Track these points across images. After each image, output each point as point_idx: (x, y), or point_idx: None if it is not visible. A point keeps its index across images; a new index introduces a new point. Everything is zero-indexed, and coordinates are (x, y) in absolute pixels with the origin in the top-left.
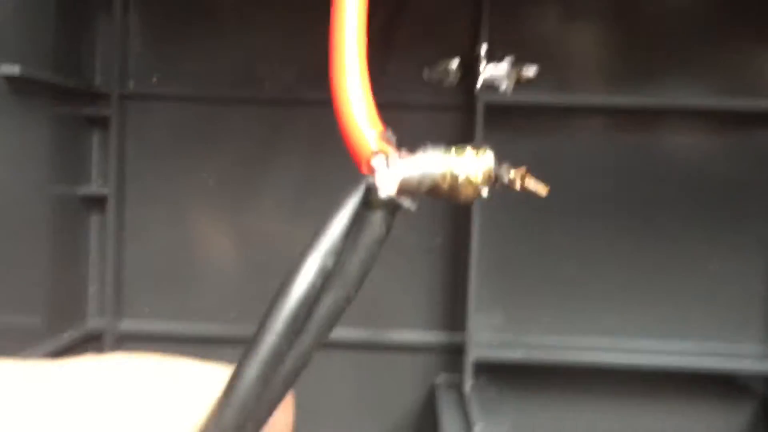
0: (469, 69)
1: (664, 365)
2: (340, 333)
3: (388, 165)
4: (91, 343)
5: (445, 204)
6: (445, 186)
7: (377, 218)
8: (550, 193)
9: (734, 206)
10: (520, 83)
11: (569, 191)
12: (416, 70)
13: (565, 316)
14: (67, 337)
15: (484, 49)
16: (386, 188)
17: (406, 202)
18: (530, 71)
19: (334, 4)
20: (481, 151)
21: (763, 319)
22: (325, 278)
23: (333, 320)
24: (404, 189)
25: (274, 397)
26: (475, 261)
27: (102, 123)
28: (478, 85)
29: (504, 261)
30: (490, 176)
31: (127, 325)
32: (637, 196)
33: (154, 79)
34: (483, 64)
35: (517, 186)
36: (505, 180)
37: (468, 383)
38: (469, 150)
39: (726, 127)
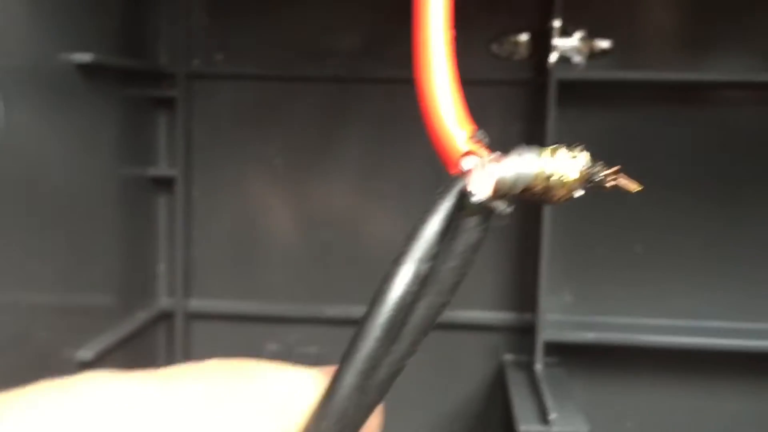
0: (540, 43)
1: (738, 347)
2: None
3: (481, 167)
4: (162, 322)
5: None
6: (539, 188)
7: (472, 224)
8: (624, 171)
9: None
10: (594, 56)
11: (642, 168)
12: (485, 44)
13: (637, 297)
14: (139, 316)
15: (557, 23)
16: (481, 192)
17: (501, 206)
18: (604, 43)
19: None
20: (575, 151)
21: None
22: (421, 285)
23: (428, 327)
24: (499, 192)
25: (370, 405)
26: (546, 240)
27: (168, 104)
28: (552, 59)
29: (575, 240)
30: (583, 177)
31: (196, 304)
32: (712, 173)
33: (220, 57)
34: (555, 37)
35: (609, 185)
36: (598, 179)
37: (539, 364)
38: (562, 150)
39: None
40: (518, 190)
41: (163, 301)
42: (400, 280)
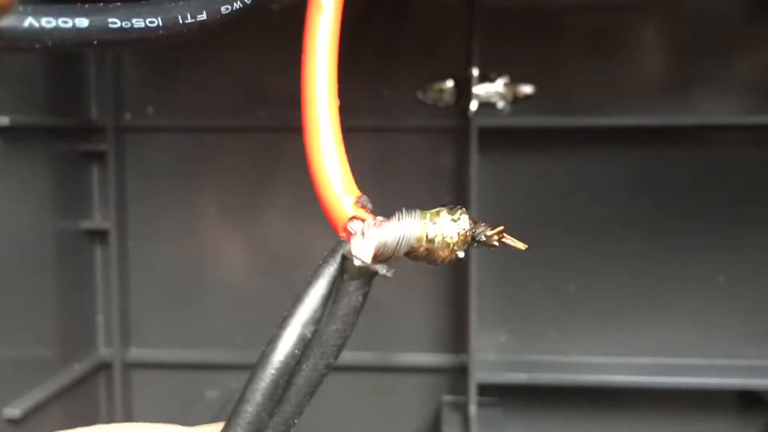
0: (464, 90)
1: (671, 384)
2: (346, 356)
3: (363, 232)
4: (101, 372)
5: None
6: (422, 249)
7: (353, 288)
8: (552, 210)
9: (740, 218)
10: (518, 101)
11: (570, 210)
12: (411, 92)
13: (571, 334)
14: (78, 368)
15: (476, 70)
16: (362, 256)
17: (383, 269)
18: (527, 88)
19: (303, 76)
20: (456, 213)
21: None
22: (305, 347)
23: (313, 388)
24: (380, 255)
25: None
26: (474, 282)
27: (100, 157)
28: (472, 107)
29: (506, 280)
30: (465, 238)
31: (135, 354)
32: (638, 213)
33: (151, 110)
34: (475, 84)
35: (495, 244)
36: (482, 239)
37: (472, 405)
38: (444, 213)
39: (729, 142)
40: (400, 253)
41: (102, 352)
42: (283, 344)
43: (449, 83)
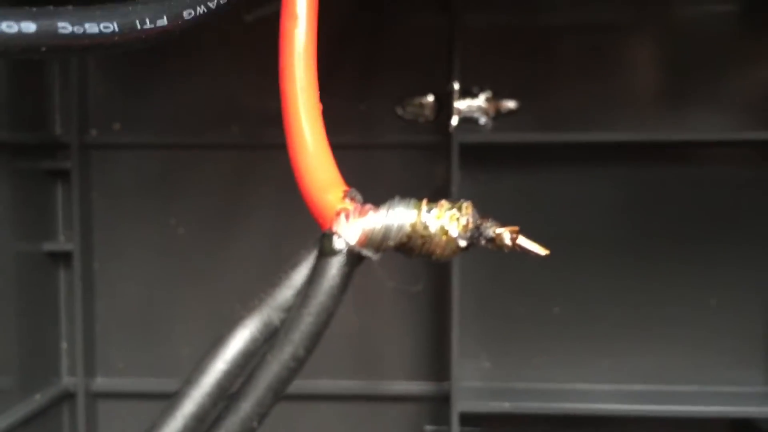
0: (444, 105)
1: (664, 412)
2: (327, 385)
3: (349, 216)
4: (65, 402)
5: None
6: (418, 240)
7: (330, 268)
8: (536, 230)
9: (731, 240)
10: (500, 117)
11: (555, 229)
12: (391, 107)
13: (557, 360)
14: (40, 398)
15: (456, 84)
16: (346, 238)
17: (368, 252)
18: (510, 104)
19: (281, 67)
20: (460, 205)
21: (766, 358)
22: (270, 334)
23: (279, 384)
24: (369, 240)
25: None
26: (456, 307)
27: (64, 175)
28: (453, 122)
29: (489, 306)
30: (467, 228)
31: (101, 383)
32: (625, 233)
33: (117, 127)
34: (456, 99)
35: (507, 243)
36: (489, 234)
37: None
38: (444, 203)
39: (719, 157)
40: (393, 241)
41: (66, 381)
42: (242, 327)
43: (429, 98)
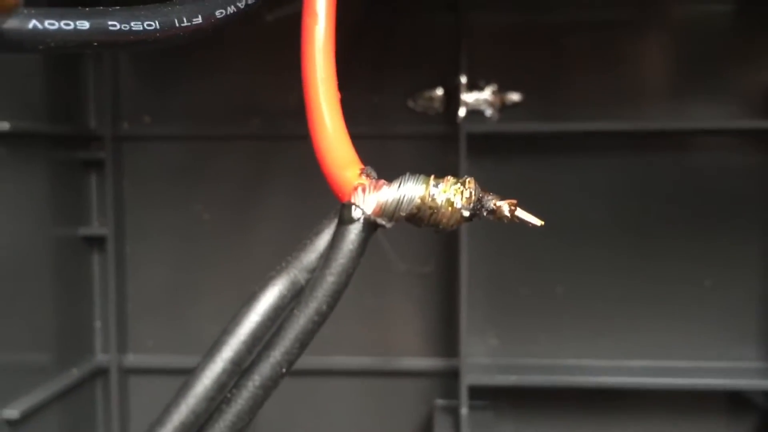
0: (453, 98)
1: (663, 385)
2: (343, 361)
3: (366, 190)
4: (98, 378)
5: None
6: (427, 211)
7: (350, 234)
8: (541, 214)
9: (725, 223)
10: (505, 108)
11: (559, 214)
12: (402, 100)
13: (561, 337)
14: (75, 373)
15: (464, 78)
16: (363, 208)
17: (383, 221)
18: (515, 96)
19: (303, 60)
20: (463, 179)
21: (761, 333)
22: (296, 292)
23: (304, 336)
24: (383, 211)
25: (243, 411)
26: (464, 286)
27: (98, 165)
28: (461, 113)
29: (496, 285)
30: (470, 200)
31: (132, 360)
32: (627, 217)
33: (147, 120)
34: (464, 92)
35: (506, 214)
36: (490, 206)
37: (464, 408)
38: (450, 179)
39: (714, 145)
40: (404, 212)
41: (100, 358)
42: (272, 285)
43: (439, 92)
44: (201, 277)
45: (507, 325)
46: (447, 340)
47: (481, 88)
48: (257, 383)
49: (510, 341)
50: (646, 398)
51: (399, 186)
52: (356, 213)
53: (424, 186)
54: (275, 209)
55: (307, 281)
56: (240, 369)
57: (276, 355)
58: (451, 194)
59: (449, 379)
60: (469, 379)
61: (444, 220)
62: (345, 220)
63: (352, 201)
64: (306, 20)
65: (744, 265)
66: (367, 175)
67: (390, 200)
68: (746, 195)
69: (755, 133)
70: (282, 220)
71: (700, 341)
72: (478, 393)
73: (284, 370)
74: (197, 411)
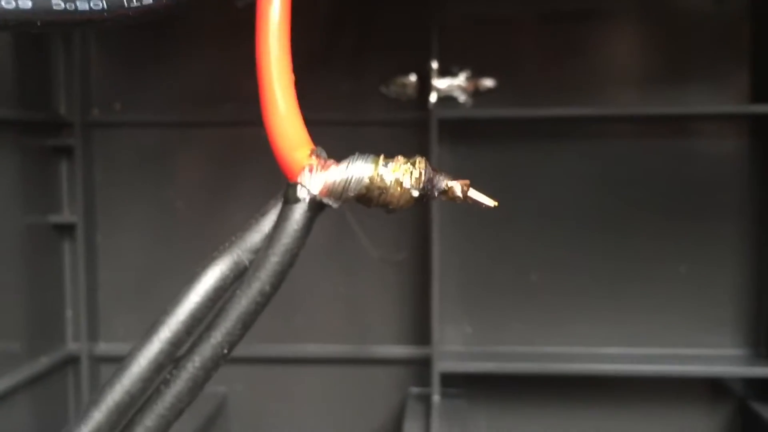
0: (426, 84)
1: (639, 372)
2: (317, 349)
3: (313, 169)
4: (70, 366)
5: (408, 217)
6: (375, 191)
7: (294, 213)
8: (516, 201)
9: (699, 209)
10: (479, 94)
11: (532, 200)
12: (375, 86)
13: (535, 324)
14: (45, 361)
15: (435, 64)
16: (310, 188)
17: (330, 201)
18: (488, 82)
19: (257, 40)
20: (414, 160)
21: (736, 320)
22: (239, 273)
23: (247, 317)
24: (330, 191)
25: (183, 392)
26: (437, 273)
27: (68, 152)
28: (432, 99)
29: (470, 272)
30: (420, 180)
31: (104, 348)
32: (598, 203)
33: (118, 106)
34: (435, 78)
35: (459, 195)
36: (442, 186)
37: (435, 395)
38: (400, 158)
39: (680, 132)
40: (352, 192)
41: (71, 346)
42: (214, 265)
43: (412, 78)
44: (173, 265)
45: (481, 313)
46: (421, 328)
47: (454, 74)
48: (197, 364)
49: (484, 329)
50: (622, 386)
51: (347, 166)
52: (302, 192)
53: (373, 166)
54: (247, 196)
55: (251, 262)
56: (177, 350)
57: (217, 335)
58: (400, 174)
59: (423, 366)
60: (440, 366)
61: (393, 201)
62: (290, 199)
63: (299, 181)
64: (261, 3)
65: (719, 251)
66: (317, 156)
67: (338, 180)
68: (721, 181)
69: (728, 118)
70: (254, 207)
71: (676, 328)
72: (451, 381)
73: (226, 351)
74: (132, 392)
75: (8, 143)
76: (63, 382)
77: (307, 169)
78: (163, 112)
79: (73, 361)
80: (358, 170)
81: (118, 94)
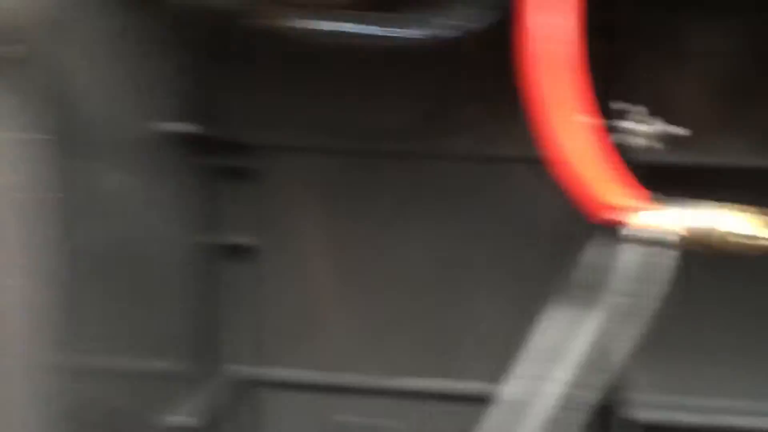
0: None
1: None
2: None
3: (657, 214)
4: (233, 389)
5: None
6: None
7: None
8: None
9: None
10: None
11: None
12: None
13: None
14: (210, 384)
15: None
16: (667, 231)
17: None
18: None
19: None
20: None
21: None
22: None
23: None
24: (691, 239)
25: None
26: None
27: (244, 174)
28: None
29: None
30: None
31: (265, 372)
32: None
33: (294, 132)
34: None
35: None
36: None
37: None
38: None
39: None
40: (714, 240)
41: (234, 369)
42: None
43: None
44: (340, 293)
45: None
46: None
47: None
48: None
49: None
50: None
51: (708, 211)
52: (663, 238)
53: (716, 212)
54: (419, 229)
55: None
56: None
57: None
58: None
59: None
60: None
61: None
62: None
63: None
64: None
65: None
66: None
67: (698, 226)
68: None
69: None
70: (431, 243)
71: None
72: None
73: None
74: None
75: (191, 161)
76: (224, 405)
77: (653, 214)
78: (340, 140)
79: (237, 384)
80: (710, 217)
81: (296, 120)
